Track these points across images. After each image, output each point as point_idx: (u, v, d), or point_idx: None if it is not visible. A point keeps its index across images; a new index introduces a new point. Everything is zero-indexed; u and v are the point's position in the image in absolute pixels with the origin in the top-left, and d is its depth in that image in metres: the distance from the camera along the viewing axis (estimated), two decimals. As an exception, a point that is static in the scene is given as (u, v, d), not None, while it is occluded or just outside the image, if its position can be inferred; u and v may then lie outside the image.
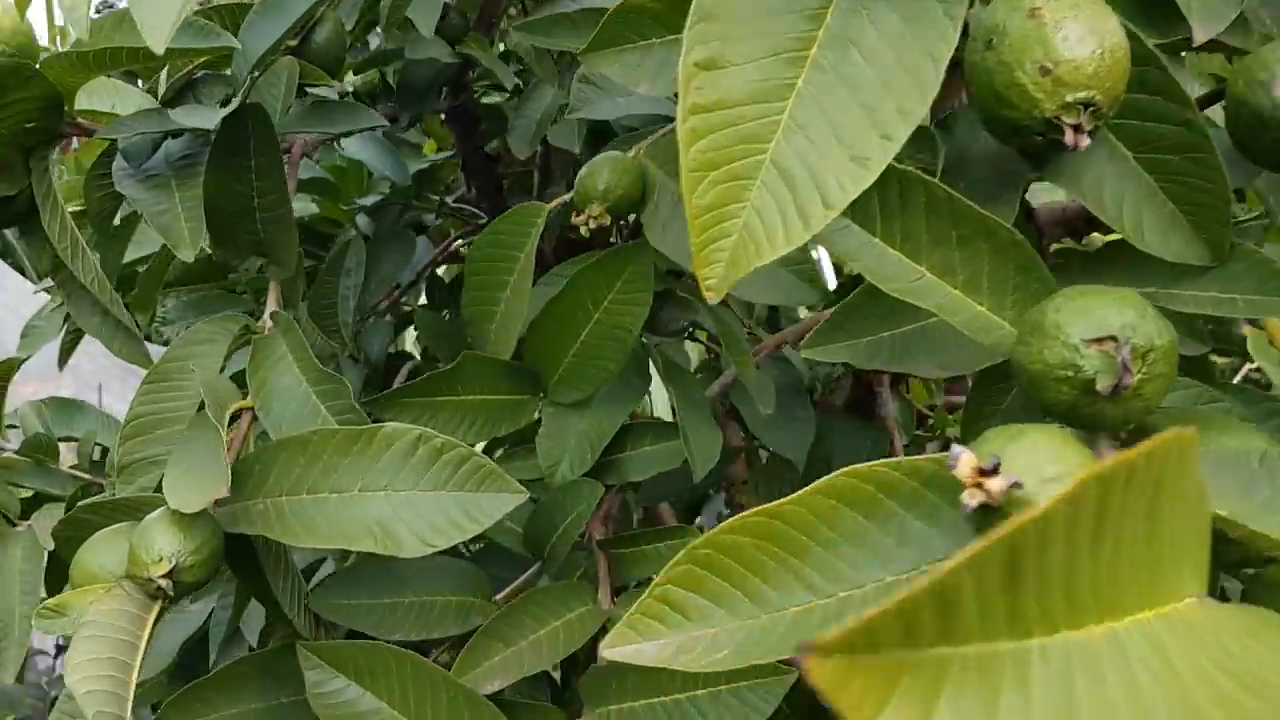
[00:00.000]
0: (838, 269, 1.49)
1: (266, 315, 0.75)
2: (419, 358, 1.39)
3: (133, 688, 0.53)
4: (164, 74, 0.81)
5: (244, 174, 0.72)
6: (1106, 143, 0.49)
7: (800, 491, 0.41)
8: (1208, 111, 0.56)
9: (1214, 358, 0.71)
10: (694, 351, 1.58)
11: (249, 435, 0.70)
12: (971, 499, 0.35)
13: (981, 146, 0.53)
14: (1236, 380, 1.04)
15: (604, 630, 0.81)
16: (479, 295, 0.80)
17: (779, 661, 0.41)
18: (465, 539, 0.62)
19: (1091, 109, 0.43)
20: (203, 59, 0.77)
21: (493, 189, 1.29)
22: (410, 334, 1.72)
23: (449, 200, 1.41)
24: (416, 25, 0.95)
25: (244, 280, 1.19)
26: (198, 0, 0.77)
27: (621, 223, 0.76)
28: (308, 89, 0.92)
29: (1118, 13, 0.44)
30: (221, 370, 0.74)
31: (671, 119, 0.86)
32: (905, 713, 0.22)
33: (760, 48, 0.40)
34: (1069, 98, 0.43)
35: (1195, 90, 0.54)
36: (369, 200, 1.35)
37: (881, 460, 0.40)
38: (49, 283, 1.69)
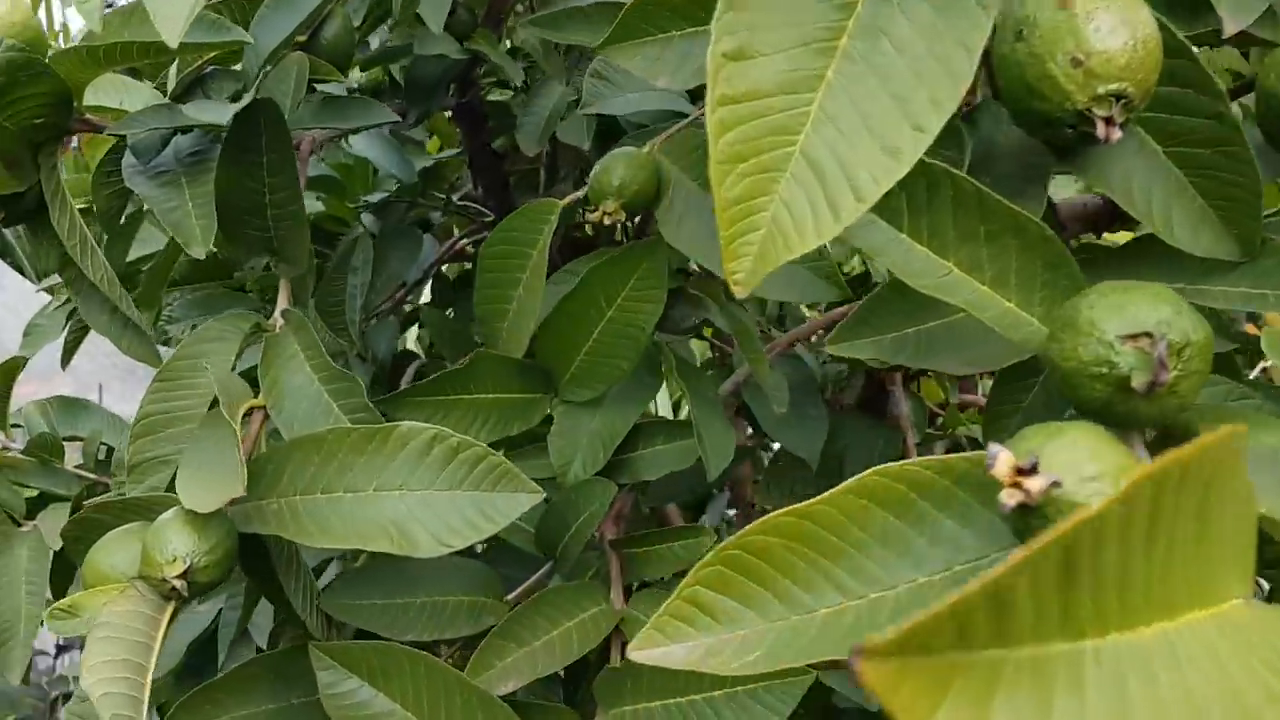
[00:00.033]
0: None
1: (277, 313, 0.74)
2: (423, 356, 1.38)
3: (148, 689, 0.52)
4: (172, 70, 0.81)
5: (256, 170, 0.71)
6: (1135, 136, 0.48)
7: (830, 491, 0.40)
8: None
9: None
10: (697, 349, 1.58)
11: (260, 434, 0.69)
12: (1010, 498, 0.34)
13: (1006, 140, 0.53)
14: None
15: (617, 631, 0.80)
16: (491, 293, 0.80)
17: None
18: (481, 539, 0.61)
19: (1124, 101, 0.42)
20: (212, 54, 0.76)
21: (499, 186, 1.28)
22: (412, 333, 1.72)
23: (454, 198, 1.41)
24: (426, 21, 0.94)
25: (250, 278, 1.19)
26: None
27: (626, 221, 0.75)
28: (315, 85, 0.91)
29: (1147, 3, 0.43)
30: (232, 369, 0.73)
31: (683, 115, 0.85)
32: (958, 715, 0.21)
33: (789, 38, 0.40)
34: (1101, 90, 0.42)
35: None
36: (375, 198, 1.34)
37: (913, 459, 0.40)
38: (50, 281, 1.69)
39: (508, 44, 1.22)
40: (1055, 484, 0.34)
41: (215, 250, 0.72)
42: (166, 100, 0.78)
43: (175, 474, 0.65)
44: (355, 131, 1.10)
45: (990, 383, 1.35)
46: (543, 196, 1.16)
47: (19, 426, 1.17)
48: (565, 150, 1.22)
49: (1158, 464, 0.26)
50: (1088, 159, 0.49)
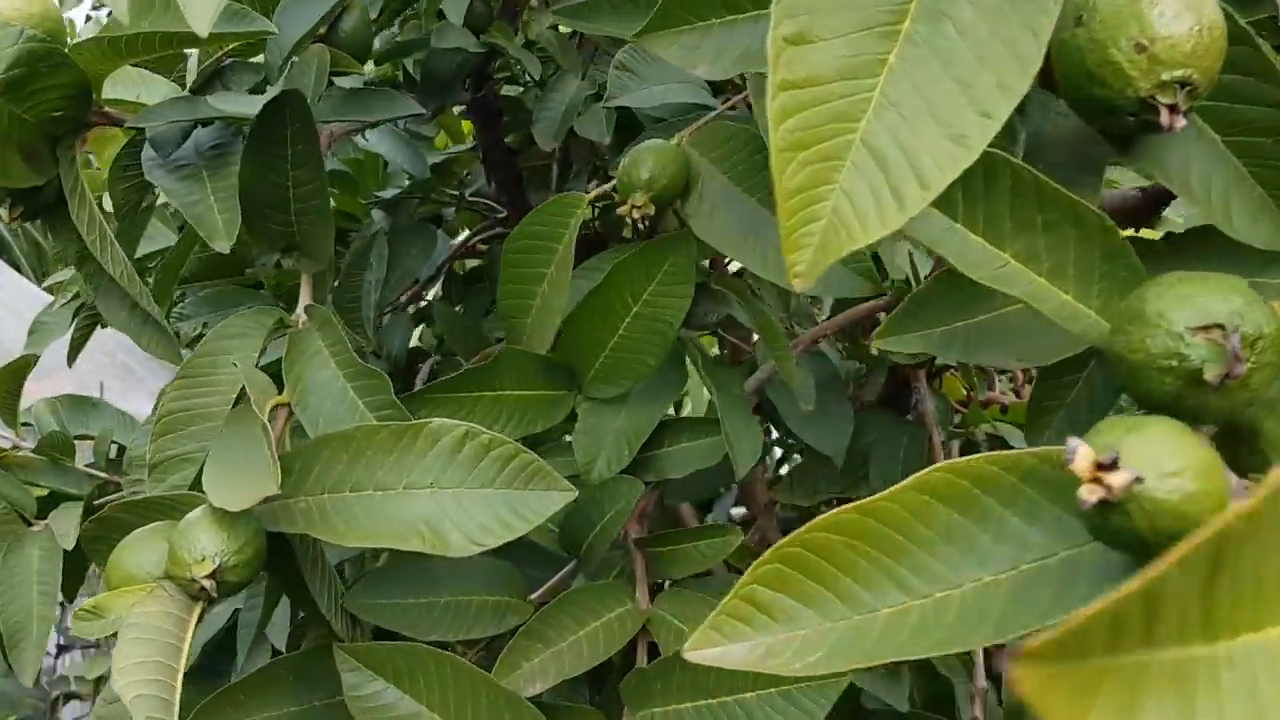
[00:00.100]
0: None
1: (300, 309, 0.73)
2: (431, 353, 1.37)
3: (178, 691, 0.51)
4: (191, 63, 0.79)
5: (279, 163, 0.70)
6: (1194, 125, 0.47)
7: (894, 487, 0.39)
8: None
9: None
10: (705, 345, 1.56)
11: (285, 432, 0.68)
12: (1091, 494, 0.33)
13: (1058, 130, 0.51)
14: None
15: (643, 631, 0.79)
16: (515, 288, 0.79)
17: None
18: (513, 538, 0.60)
19: (1188, 88, 0.41)
20: (233, 46, 0.75)
21: (513, 182, 1.27)
22: (417, 330, 1.71)
23: (466, 193, 1.40)
24: (447, 14, 0.93)
25: (265, 275, 1.17)
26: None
27: (641, 218, 0.74)
28: (333, 78, 0.90)
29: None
30: (255, 366, 0.72)
31: (709, 108, 0.84)
32: (1107, 720, 0.20)
33: (850, 21, 0.38)
34: (1165, 76, 0.41)
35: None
36: (387, 193, 1.33)
37: (979, 455, 0.39)
38: (53, 280, 1.67)
39: (522, 38, 1.21)
40: (1138, 480, 0.33)
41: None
42: (186, 93, 0.77)
43: (199, 472, 0.64)
44: (376, 125, 1.09)
45: (1009, 380, 1.34)
46: (555, 192, 1.15)
47: (29, 425, 1.16)
48: (578, 145, 1.21)
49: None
50: (1144, 148, 0.48)
